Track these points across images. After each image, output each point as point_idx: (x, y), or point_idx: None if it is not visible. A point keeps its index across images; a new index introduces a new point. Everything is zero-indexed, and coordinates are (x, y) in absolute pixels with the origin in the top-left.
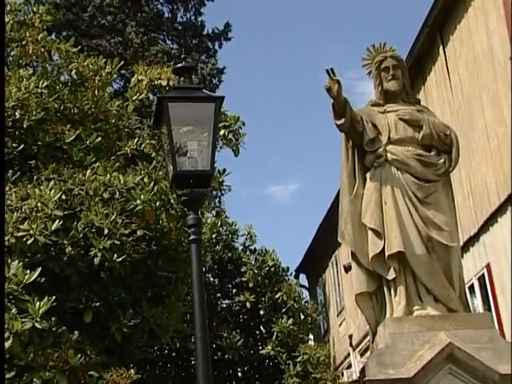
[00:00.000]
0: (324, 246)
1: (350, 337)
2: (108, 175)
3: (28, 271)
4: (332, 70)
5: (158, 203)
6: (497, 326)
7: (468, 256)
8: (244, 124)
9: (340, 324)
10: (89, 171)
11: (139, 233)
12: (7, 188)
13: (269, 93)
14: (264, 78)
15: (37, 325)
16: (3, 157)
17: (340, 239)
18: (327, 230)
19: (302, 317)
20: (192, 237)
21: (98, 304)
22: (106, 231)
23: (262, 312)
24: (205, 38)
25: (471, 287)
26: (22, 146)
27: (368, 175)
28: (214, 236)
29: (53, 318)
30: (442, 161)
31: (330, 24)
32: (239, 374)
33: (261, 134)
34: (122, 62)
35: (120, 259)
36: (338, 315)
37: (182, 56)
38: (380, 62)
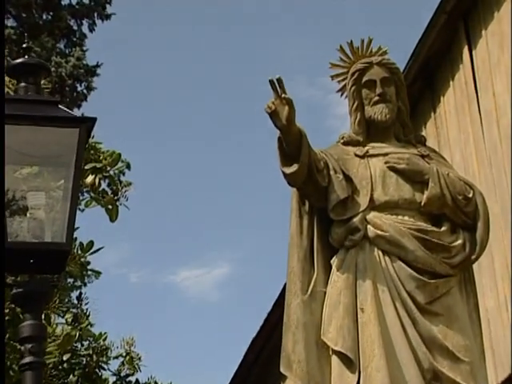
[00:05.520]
0: (257, 379)
1: None
2: None
3: None
4: (280, 81)
5: None
6: None
7: None
8: (129, 167)
9: None
10: None
11: None
12: None
13: (179, 114)
14: (172, 88)
15: None
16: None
17: (284, 369)
18: (265, 350)
19: None
20: (27, 359)
21: None
22: None
23: None
24: (64, 11)
25: None
26: None
27: (334, 261)
28: (66, 358)
29: None
30: (459, 242)
31: (291, 6)
32: None
33: (162, 185)
34: None
35: None
36: None
37: (24, 44)
38: (360, 73)
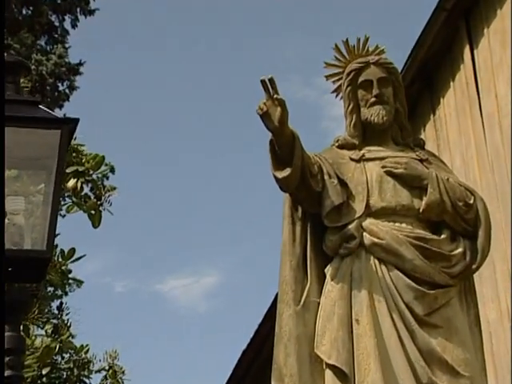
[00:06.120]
0: None
1: None
2: None
3: None
4: (272, 81)
5: None
6: None
7: None
8: (113, 170)
9: None
10: None
11: None
12: None
13: (167, 115)
14: (160, 88)
15: None
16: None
17: (275, 383)
18: (256, 363)
19: None
20: (5, 373)
21: None
22: None
23: None
24: (45, 6)
25: None
26: None
27: (328, 270)
28: (45, 372)
29: None
30: (459, 250)
31: (287, 5)
32: None
33: (147, 190)
34: None
35: None
36: None
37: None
38: (356, 73)
